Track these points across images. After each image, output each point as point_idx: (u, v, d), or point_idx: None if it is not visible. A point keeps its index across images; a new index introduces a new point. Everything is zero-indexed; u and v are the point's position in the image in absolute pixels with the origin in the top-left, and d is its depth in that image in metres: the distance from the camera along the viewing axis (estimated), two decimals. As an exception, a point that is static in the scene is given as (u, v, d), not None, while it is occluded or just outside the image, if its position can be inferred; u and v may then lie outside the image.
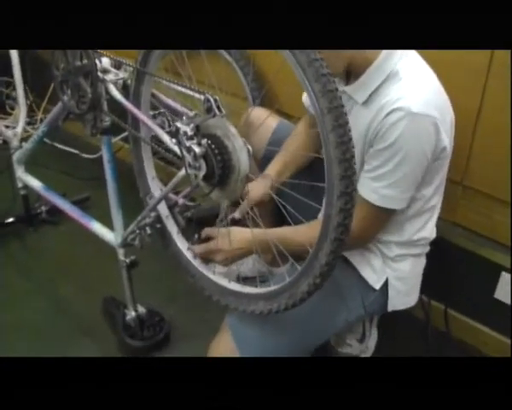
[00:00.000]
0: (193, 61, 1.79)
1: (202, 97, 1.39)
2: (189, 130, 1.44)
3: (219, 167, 1.41)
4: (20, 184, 2.47)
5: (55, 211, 2.62)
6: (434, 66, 1.59)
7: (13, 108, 3.47)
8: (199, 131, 1.44)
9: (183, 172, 1.51)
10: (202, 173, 1.44)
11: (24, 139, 2.48)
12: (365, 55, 1.56)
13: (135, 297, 2.05)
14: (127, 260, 1.97)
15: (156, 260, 2.17)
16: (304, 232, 1.55)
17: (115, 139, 2.76)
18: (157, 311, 2.11)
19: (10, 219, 2.62)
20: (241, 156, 1.39)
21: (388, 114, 1.50)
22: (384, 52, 1.54)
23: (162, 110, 1.77)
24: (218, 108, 1.37)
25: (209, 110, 1.38)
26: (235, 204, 1.79)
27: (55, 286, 2.36)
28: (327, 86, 1.24)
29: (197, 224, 1.80)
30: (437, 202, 1.72)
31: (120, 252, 1.97)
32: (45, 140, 3.16)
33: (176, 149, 1.50)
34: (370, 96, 1.57)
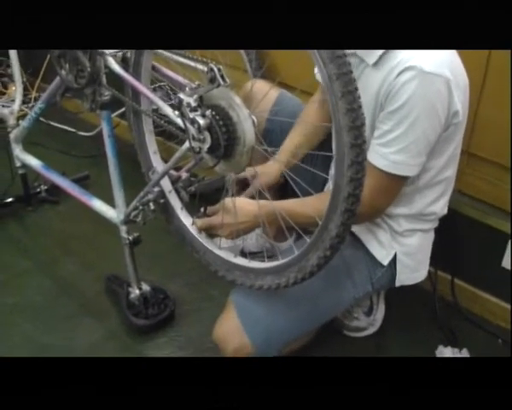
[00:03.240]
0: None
1: (205, 68, 1.35)
2: (192, 101, 1.40)
3: (224, 139, 1.38)
4: (18, 163, 2.42)
5: (54, 190, 2.58)
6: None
7: (6, 87, 3.41)
8: (202, 103, 1.41)
9: (186, 145, 1.48)
10: (207, 146, 1.41)
11: (19, 118, 2.44)
12: None
13: (138, 275, 2.02)
14: (130, 238, 1.93)
15: (159, 236, 2.15)
16: (312, 204, 1.51)
17: (112, 115, 2.72)
18: (161, 288, 2.08)
19: (9, 199, 2.57)
20: (247, 127, 1.36)
21: (400, 74, 1.45)
22: None
23: (162, 83, 1.74)
24: (222, 77, 1.33)
25: (213, 80, 1.34)
26: (242, 187, 1.77)
27: (56, 265, 2.32)
28: (335, 52, 1.20)
29: (201, 198, 1.77)
30: (451, 174, 1.68)
31: (123, 229, 1.93)
32: (41, 119, 3.13)
33: (179, 121, 1.46)
34: (381, 57, 1.52)
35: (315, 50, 1.22)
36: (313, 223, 1.39)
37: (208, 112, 1.38)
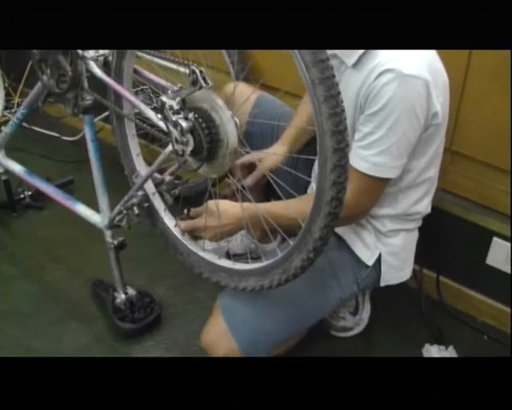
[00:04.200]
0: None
1: (187, 70, 1.35)
2: (174, 104, 1.41)
3: (207, 141, 1.38)
4: (0, 170, 2.41)
5: (38, 195, 2.56)
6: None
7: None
8: (185, 105, 1.40)
9: (169, 148, 1.48)
10: (190, 148, 1.41)
11: (1, 124, 2.43)
12: None
13: (124, 279, 2.02)
14: (115, 242, 1.93)
15: (144, 240, 2.15)
16: (295, 206, 1.51)
17: (95, 119, 2.71)
18: (147, 292, 2.08)
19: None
20: (229, 129, 1.36)
21: (379, 76, 1.45)
22: None
23: (144, 86, 1.73)
24: (204, 79, 1.33)
25: (195, 82, 1.34)
26: (248, 172, 1.78)
27: (42, 271, 2.31)
28: (318, 56, 1.20)
29: (185, 200, 1.77)
30: (433, 174, 1.68)
31: (107, 234, 1.93)
32: (24, 124, 3.11)
33: (161, 124, 1.46)
34: (360, 58, 1.52)
35: (297, 53, 1.21)
36: (296, 225, 1.39)
37: (191, 115, 1.38)
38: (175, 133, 1.41)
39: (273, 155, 1.82)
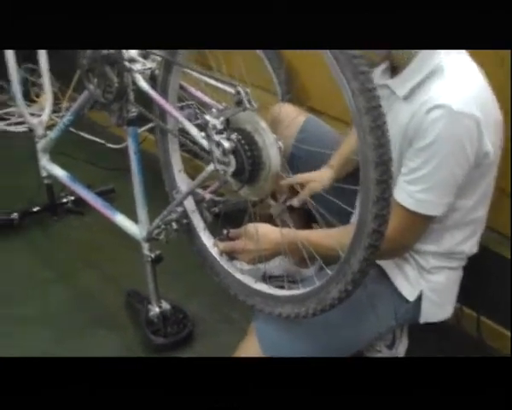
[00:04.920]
0: (221, 53, 1.73)
1: (233, 90, 1.33)
2: (218, 123, 1.38)
3: (249, 164, 1.35)
4: (44, 174, 2.43)
5: (80, 201, 2.55)
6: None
7: (38, 96, 3.44)
8: (229, 125, 1.38)
9: (211, 167, 1.46)
10: (231, 169, 1.38)
11: (48, 127, 2.44)
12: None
13: (159, 292, 2.01)
14: (152, 255, 1.92)
15: (182, 254, 2.11)
16: (336, 236, 1.48)
17: (140, 130, 2.72)
18: (181, 307, 2.06)
19: (35, 208, 2.57)
20: (272, 153, 1.34)
21: (429, 111, 1.42)
22: None
23: (190, 102, 1.72)
24: (249, 101, 1.31)
25: (239, 103, 1.32)
26: (292, 194, 1.75)
27: (77, 277, 2.33)
28: (365, 84, 1.17)
29: (226, 219, 1.75)
30: (481, 215, 1.62)
31: (145, 246, 1.92)
32: (71, 129, 3.14)
33: (204, 143, 1.44)
34: (412, 90, 1.49)
35: (344, 80, 1.18)
36: (335, 255, 1.36)
37: (234, 135, 1.36)
38: (217, 153, 1.39)
39: (320, 179, 1.79)
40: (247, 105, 1.31)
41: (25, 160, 2.58)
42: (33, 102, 3.47)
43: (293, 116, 1.90)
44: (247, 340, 1.63)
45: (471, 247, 1.67)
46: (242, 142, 1.35)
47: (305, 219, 1.88)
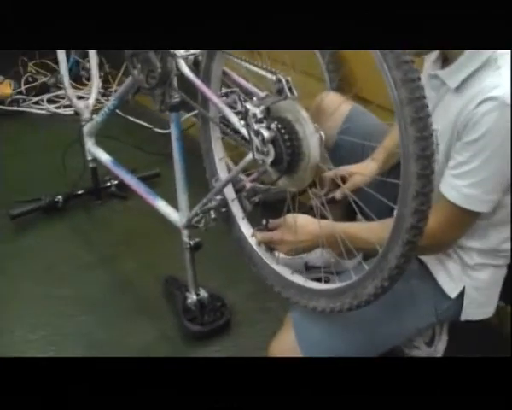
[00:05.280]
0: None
1: (273, 78, 1.31)
2: (258, 112, 1.36)
3: (288, 154, 1.33)
4: (89, 157, 2.45)
5: (124, 185, 2.57)
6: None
7: (88, 79, 3.46)
8: (269, 114, 1.36)
9: (250, 156, 1.44)
10: (270, 159, 1.36)
11: (96, 111, 2.46)
12: None
13: (197, 280, 2.00)
14: (191, 242, 1.91)
15: (222, 242, 2.11)
16: (376, 230, 1.44)
17: (188, 115, 2.72)
18: (219, 295, 2.06)
19: (80, 191, 2.60)
20: (312, 143, 1.31)
21: (480, 104, 1.36)
22: None
23: (235, 89, 1.70)
24: (290, 89, 1.29)
25: (280, 92, 1.30)
26: (334, 187, 1.72)
27: (118, 261, 2.35)
28: (408, 74, 1.13)
29: (266, 208, 1.73)
30: None
31: (184, 233, 1.92)
32: (119, 113, 3.18)
33: (244, 131, 1.43)
34: (463, 82, 1.43)
35: (387, 70, 1.15)
36: (374, 249, 1.33)
37: (273, 124, 1.34)
38: (256, 142, 1.37)
39: (363, 172, 1.76)
40: (288, 94, 1.29)
41: (72, 142, 2.59)
42: (84, 85, 3.51)
43: (337, 105, 1.86)
44: (283, 331, 1.61)
45: None
46: (282, 131, 1.33)
47: (348, 211, 1.85)
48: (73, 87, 3.47)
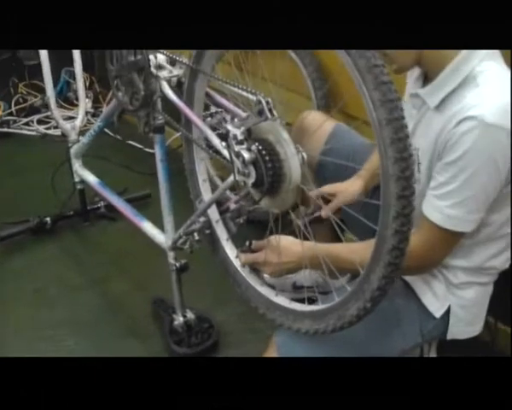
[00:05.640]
0: (256, 56, 1.70)
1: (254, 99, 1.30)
2: (239, 133, 1.36)
3: (269, 175, 1.32)
4: (76, 179, 2.44)
5: (113, 206, 2.56)
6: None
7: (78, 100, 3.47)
8: (250, 135, 1.35)
9: (232, 178, 1.43)
10: (251, 181, 1.35)
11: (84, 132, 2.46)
12: (440, 54, 1.42)
13: (184, 302, 1.99)
14: (177, 264, 1.90)
15: (209, 263, 2.09)
16: (357, 251, 1.43)
17: (178, 134, 2.71)
18: (206, 317, 2.04)
19: (69, 213, 2.60)
20: (293, 164, 1.30)
21: (459, 123, 1.35)
22: (463, 53, 1.39)
23: (219, 109, 1.70)
24: (270, 110, 1.28)
25: (261, 113, 1.29)
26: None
27: (107, 283, 2.33)
28: (387, 95, 1.12)
29: (252, 224, 1.72)
30: None
31: (170, 255, 1.91)
32: (109, 133, 3.18)
33: (226, 152, 1.42)
34: (443, 100, 1.43)
35: (365, 90, 1.14)
36: (356, 270, 1.32)
37: (254, 146, 1.33)
38: (237, 164, 1.36)
39: (348, 190, 1.75)
40: (268, 115, 1.28)
41: (62, 164, 2.59)
42: (75, 105, 3.51)
43: (320, 124, 1.86)
44: (267, 354, 1.59)
45: (503, 262, 1.60)
46: (263, 152, 1.32)
47: (335, 229, 1.84)
48: (64, 108, 3.51)
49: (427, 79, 1.51)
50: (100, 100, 3.52)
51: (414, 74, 1.58)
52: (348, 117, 2.09)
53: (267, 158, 1.31)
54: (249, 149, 1.33)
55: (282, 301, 1.55)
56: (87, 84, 3.57)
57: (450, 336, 1.65)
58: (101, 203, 2.63)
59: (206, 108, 1.69)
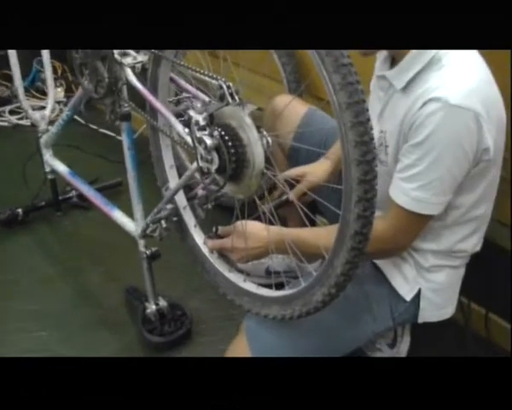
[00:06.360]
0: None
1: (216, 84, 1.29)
2: (201, 119, 1.34)
3: (232, 161, 1.30)
4: (47, 169, 2.41)
5: (85, 196, 2.57)
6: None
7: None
8: (213, 121, 1.33)
9: (195, 164, 1.41)
10: (215, 167, 1.34)
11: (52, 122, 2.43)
12: None
13: (156, 290, 1.97)
14: (147, 252, 1.89)
15: (182, 249, 2.09)
16: (322, 236, 1.42)
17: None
18: (179, 304, 2.03)
19: (40, 204, 2.57)
20: (257, 150, 1.28)
21: (424, 105, 1.34)
22: None
23: (188, 95, 1.68)
24: (232, 95, 1.26)
25: (222, 98, 1.27)
26: (290, 187, 1.70)
27: (80, 274, 2.31)
28: (347, 78, 1.11)
29: (222, 209, 1.71)
30: (483, 212, 1.54)
31: (141, 243, 1.89)
32: (82, 121, 3.15)
33: (189, 139, 1.40)
34: (409, 82, 1.42)
35: (325, 75, 1.13)
36: (322, 255, 1.31)
37: (217, 132, 1.31)
38: (200, 150, 1.34)
39: (316, 172, 1.74)
40: (229, 99, 1.26)
41: (33, 154, 2.56)
42: (46, 95, 3.46)
43: (293, 108, 1.84)
44: (237, 339, 1.58)
45: (474, 245, 1.60)
46: (226, 138, 1.30)
47: (310, 209, 1.83)
48: (36, 98, 3.47)
49: (394, 61, 1.50)
50: (73, 89, 3.47)
51: (381, 56, 1.57)
52: (320, 100, 2.07)
53: (230, 144, 1.30)
54: (211, 135, 1.32)
55: (250, 286, 1.54)
56: (59, 72, 3.53)
57: (421, 320, 1.65)
58: (73, 193, 2.60)
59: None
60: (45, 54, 2.37)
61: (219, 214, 1.71)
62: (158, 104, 1.56)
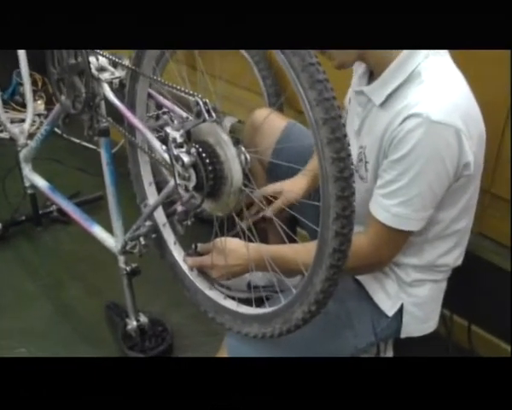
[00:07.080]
0: (208, 54, 1.68)
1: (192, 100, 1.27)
2: (178, 136, 1.32)
3: (210, 178, 1.29)
4: (27, 183, 2.38)
5: (66, 210, 2.54)
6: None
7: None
8: (190, 138, 1.32)
9: (172, 182, 1.40)
10: (192, 184, 1.32)
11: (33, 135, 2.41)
12: (384, 51, 1.40)
13: (136, 306, 1.95)
14: (127, 268, 1.87)
15: (162, 265, 2.07)
16: (300, 253, 1.40)
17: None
18: (160, 320, 2.02)
19: (20, 218, 2.54)
20: (234, 166, 1.27)
21: (404, 120, 1.33)
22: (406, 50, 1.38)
23: (166, 110, 1.67)
24: (208, 111, 1.25)
25: (199, 114, 1.26)
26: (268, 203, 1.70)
27: (61, 289, 2.29)
28: (323, 94, 1.10)
29: (203, 224, 1.70)
30: (464, 226, 1.54)
31: (120, 259, 1.87)
32: (62, 134, 3.12)
33: (166, 156, 1.38)
34: (388, 98, 1.41)
35: (301, 90, 1.12)
36: (301, 272, 1.30)
37: (194, 149, 1.30)
38: (177, 167, 1.33)
39: (293, 188, 1.74)
40: (206, 116, 1.25)
41: (12, 168, 2.54)
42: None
43: (272, 122, 1.83)
44: (218, 356, 1.57)
45: (455, 259, 1.59)
46: (203, 155, 1.29)
47: (290, 225, 1.82)
48: (16, 110, 3.44)
49: (372, 75, 1.50)
50: (54, 101, 3.43)
51: (359, 71, 1.56)
52: (300, 113, 2.05)
53: (207, 161, 1.28)
54: (189, 153, 1.30)
55: (230, 304, 1.53)
56: (39, 85, 3.50)
57: (404, 335, 1.64)
58: (54, 207, 2.57)
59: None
60: (23, 66, 2.32)
61: (199, 229, 1.69)
62: (135, 121, 1.55)
